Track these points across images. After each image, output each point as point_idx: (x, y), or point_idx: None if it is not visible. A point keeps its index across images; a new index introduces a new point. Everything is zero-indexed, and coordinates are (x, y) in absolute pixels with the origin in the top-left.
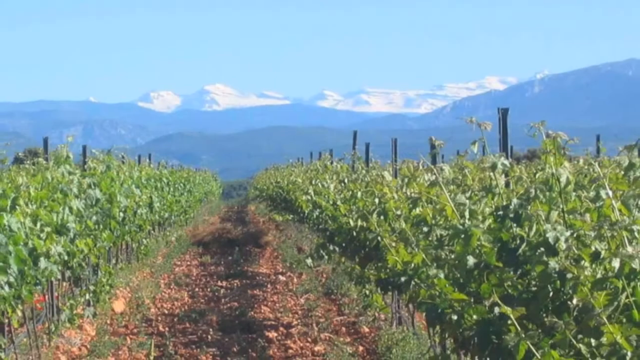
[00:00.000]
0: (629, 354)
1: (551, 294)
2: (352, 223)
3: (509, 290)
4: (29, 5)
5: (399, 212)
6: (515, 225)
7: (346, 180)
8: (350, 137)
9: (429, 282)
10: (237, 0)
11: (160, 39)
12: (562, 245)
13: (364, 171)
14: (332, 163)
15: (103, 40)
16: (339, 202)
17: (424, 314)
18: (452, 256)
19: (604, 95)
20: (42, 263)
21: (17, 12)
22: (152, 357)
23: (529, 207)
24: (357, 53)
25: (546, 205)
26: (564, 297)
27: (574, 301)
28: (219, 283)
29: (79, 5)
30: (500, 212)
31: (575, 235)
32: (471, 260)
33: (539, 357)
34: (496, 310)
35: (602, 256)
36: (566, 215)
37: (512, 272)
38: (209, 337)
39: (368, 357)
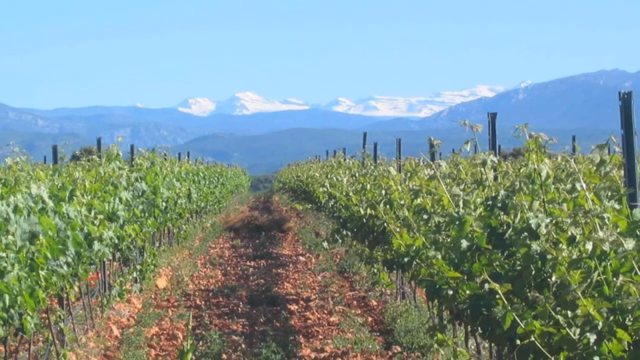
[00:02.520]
0: (600, 324)
1: (533, 272)
2: (362, 211)
3: (497, 269)
4: (85, 25)
5: (402, 202)
6: (502, 213)
7: (357, 175)
8: (360, 138)
9: (428, 262)
10: (265, 19)
11: (197, 52)
12: (543, 230)
13: (372, 167)
14: (345, 160)
15: (147, 53)
16: (351, 194)
17: (424, 289)
18: (448, 240)
19: (579, 102)
20: (96, 246)
21: (74, 30)
22: (190, 327)
23: (514, 198)
24: (366, 65)
25: (529, 196)
26: (545, 275)
27: (553, 278)
28: (248, 263)
29: (126, 24)
30: (490, 202)
31: (554, 222)
32: (465, 244)
33: (523, 326)
34: (486, 286)
35: (577, 240)
36: (546, 205)
37: (500, 254)
38: (239, 309)
39: (376, 327)
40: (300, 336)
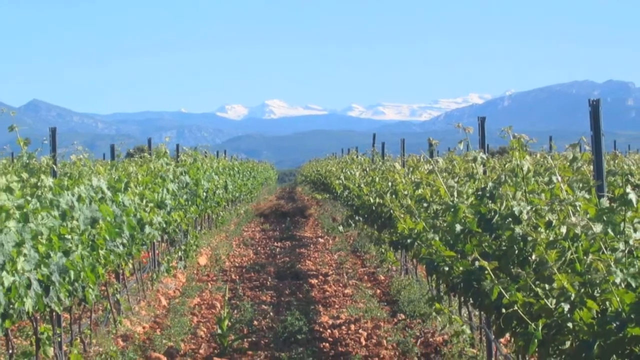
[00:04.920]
0: (573, 295)
1: (516, 251)
2: (372, 200)
3: (486, 249)
4: (136, 41)
5: (406, 192)
6: (490, 201)
7: (367, 169)
8: (370, 138)
9: (427, 243)
10: (289, 36)
11: (233, 65)
12: (524, 216)
13: (380, 163)
14: (357, 157)
15: (190, 66)
16: (362, 185)
17: (424, 266)
18: (445, 224)
19: (555, 107)
20: (147, 229)
21: (127, 46)
22: (226, 297)
23: (500, 189)
24: (375, 76)
25: (513, 187)
26: (526, 254)
27: (533, 257)
28: (275, 244)
29: (171, 41)
30: (480, 192)
31: (534, 209)
32: (458, 227)
33: (508, 297)
34: (476, 263)
35: (553, 224)
36: (527, 195)
37: (488, 236)
38: (268, 282)
39: (384, 298)
40: (320, 305)
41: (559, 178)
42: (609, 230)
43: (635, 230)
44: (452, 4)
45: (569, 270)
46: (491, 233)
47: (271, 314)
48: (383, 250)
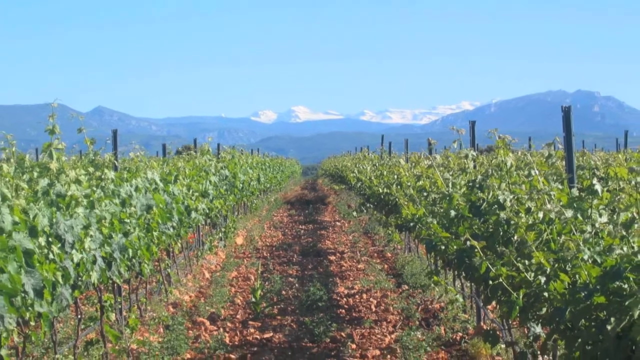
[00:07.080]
0: (548, 269)
1: (501, 233)
2: (380, 190)
3: (476, 231)
4: (183, 57)
5: (409, 184)
6: (479, 191)
7: (377, 164)
8: (379, 139)
9: (427, 226)
10: (310, 52)
11: (265, 76)
12: (508, 203)
13: (387, 159)
14: (368, 154)
15: (229, 77)
16: (372, 178)
17: (424, 245)
18: (441, 210)
19: (534, 112)
20: (193, 214)
21: (176, 60)
22: (259, 271)
23: (488, 181)
24: (384, 86)
25: (498, 180)
26: (509, 235)
27: (515, 237)
28: (300, 226)
29: (212, 56)
30: (471, 184)
31: (516, 197)
32: (453, 213)
33: (494, 271)
34: (468, 243)
35: (532, 210)
36: (510, 186)
37: (477, 220)
38: (294, 259)
39: (390, 272)
40: (337, 278)
41: (537, 172)
42: (579, 215)
43: (600, 216)
44: (448, 24)
45: (545, 249)
46: (480, 217)
47: (296, 285)
48: (390, 232)
